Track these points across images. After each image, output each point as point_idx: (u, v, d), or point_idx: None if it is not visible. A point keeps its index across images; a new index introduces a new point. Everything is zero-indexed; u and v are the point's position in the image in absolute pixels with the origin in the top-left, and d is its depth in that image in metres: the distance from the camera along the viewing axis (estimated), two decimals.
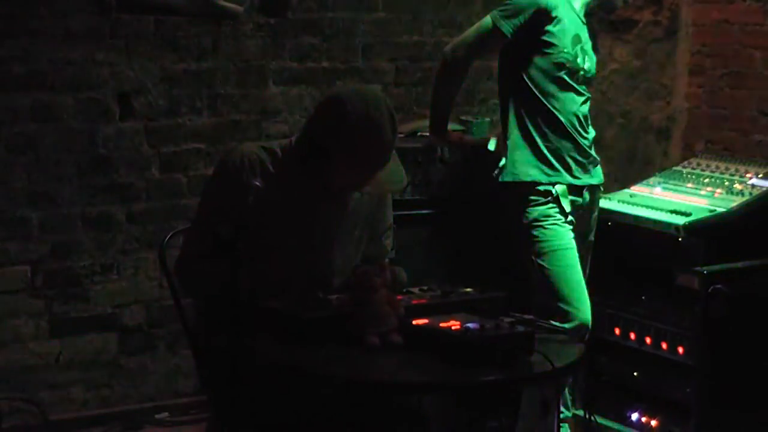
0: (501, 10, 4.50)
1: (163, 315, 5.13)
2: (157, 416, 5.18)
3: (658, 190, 5.18)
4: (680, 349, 4.74)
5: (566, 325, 4.35)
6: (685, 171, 5.30)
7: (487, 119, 5.25)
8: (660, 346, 4.83)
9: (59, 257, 4.95)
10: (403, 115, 5.35)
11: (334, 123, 3.51)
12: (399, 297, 3.47)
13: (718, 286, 4.62)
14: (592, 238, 4.76)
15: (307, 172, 3.58)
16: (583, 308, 4.50)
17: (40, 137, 4.86)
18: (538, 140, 4.53)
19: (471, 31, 4.63)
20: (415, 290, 3.64)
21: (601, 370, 5.01)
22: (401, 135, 5.06)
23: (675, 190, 5.13)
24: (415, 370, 3.24)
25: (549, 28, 4.48)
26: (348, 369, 3.21)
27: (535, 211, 4.53)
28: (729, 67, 6.05)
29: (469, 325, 3.24)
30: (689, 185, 5.14)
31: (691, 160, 5.45)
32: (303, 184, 3.61)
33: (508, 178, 4.57)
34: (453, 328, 3.25)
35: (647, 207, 4.97)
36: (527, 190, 4.54)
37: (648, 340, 4.88)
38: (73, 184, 4.95)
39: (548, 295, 4.50)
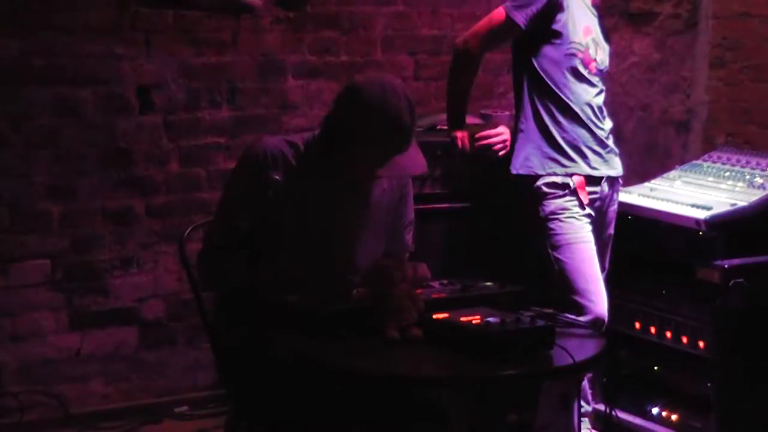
0: (513, 1, 4.50)
1: (183, 309, 5.14)
2: (176, 410, 5.19)
3: (678, 183, 5.15)
4: (700, 343, 4.72)
5: (582, 319, 4.35)
6: (705, 164, 5.28)
7: (507, 113, 5.23)
8: (680, 340, 4.81)
9: (79, 251, 4.96)
10: (422, 109, 5.34)
11: (352, 109, 3.51)
12: (419, 291, 3.47)
13: (739, 280, 4.60)
14: (611, 231, 4.74)
15: (329, 163, 3.58)
16: (599, 302, 4.49)
17: (60, 131, 4.88)
18: (554, 131, 4.52)
19: (483, 22, 4.62)
20: (435, 284, 3.64)
21: (621, 364, 4.99)
22: (420, 129, 5.06)
23: (695, 184, 5.10)
24: (434, 364, 3.24)
25: (560, 18, 4.47)
26: (368, 363, 3.21)
27: (552, 204, 4.51)
28: (750, 60, 6.02)
29: (490, 319, 3.24)
30: (710, 179, 5.11)
31: (712, 153, 5.42)
32: (325, 179, 3.61)
33: (522, 171, 4.57)
34: (473, 322, 3.24)
35: (667, 201, 4.95)
36: (544, 182, 4.53)
37: (668, 334, 4.86)
38: (93, 178, 4.96)
39: (564, 289, 4.49)
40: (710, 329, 4.69)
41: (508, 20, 4.49)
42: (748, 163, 5.16)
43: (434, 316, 3.32)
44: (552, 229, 4.51)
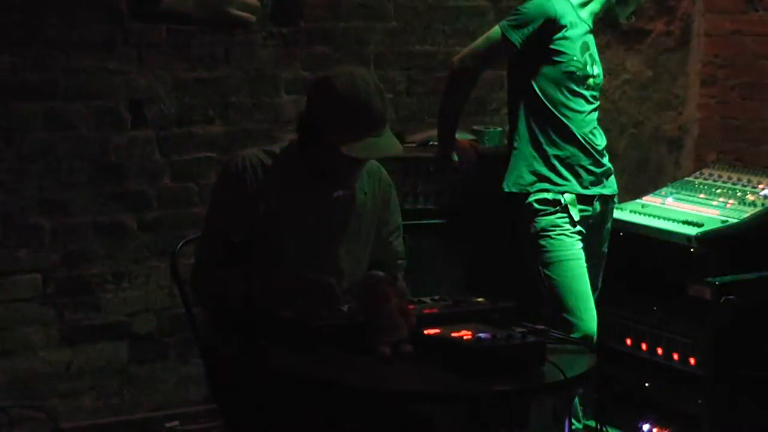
0: (510, 20, 4.50)
1: (174, 323, 5.13)
2: (167, 424, 5.17)
3: (670, 200, 5.17)
4: (691, 360, 4.73)
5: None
6: (697, 181, 5.30)
7: (499, 129, 5.24)
8: (671, 357, 4.82)
9: (71, 265, 4.95)
10: (414, 125, 5.36)
11: (323, 97, 3.55)
12: (410, 306, 3.47)
13: (730, 296, 4.61)
14: (605, 249, 4.74)
15: (308, 163, 3.59)
16: (588, 319, 4.48)
17: (53, 145, 4.87)
18: (548, 149, 4.53)
19: (480, 41, 4.62)
20: (427, 300, 3.64)
21: (612, 381, 5.00)
22: (412, 144, 5.07)
23: (687, 201, 5.12)
24: (426, 379, 3.24)
25: (558, 37, 4.48)
26: (359, 378, 3.21)
27: (543, 221, 4.52)
28: (741, 78, 6.04)
29: (481, 335, 3.24)
30: (701, 196, 5.13)
31: (703, 170, 5.45)
32: (306, 183, 3.61)
33: (515, 189, 4.57)
34: (465, 338, 3.24)
35: (659, 217, 4.96)
36: (535, 199, 4.52)
37: (659, 350, 4.87)
38: (85, 193, 4.95)
39: (553, 306, 4.49)
40: (701, 346, 4.70)
41: (505, 39, 4.49)
42: (739, 180, 5.18)
43: (426, 332, 3.32)
44: (543, 246, 4.51)
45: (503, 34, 4.49)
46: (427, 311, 3.51)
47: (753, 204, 4.92)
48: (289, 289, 3.51)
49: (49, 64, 4.83)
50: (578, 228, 4.53)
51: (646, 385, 4.97)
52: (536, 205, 4.52)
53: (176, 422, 5.19)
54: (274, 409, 3.41)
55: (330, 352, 3.30)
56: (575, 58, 4.50)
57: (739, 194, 5.04)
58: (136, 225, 5.07)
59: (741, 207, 4.92)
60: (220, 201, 3.66)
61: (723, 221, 4.81)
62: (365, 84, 3.54)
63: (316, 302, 3.46)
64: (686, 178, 5.43)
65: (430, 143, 5.01)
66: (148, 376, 5.17)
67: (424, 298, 3.64)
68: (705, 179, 5.30)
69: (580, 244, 4.53)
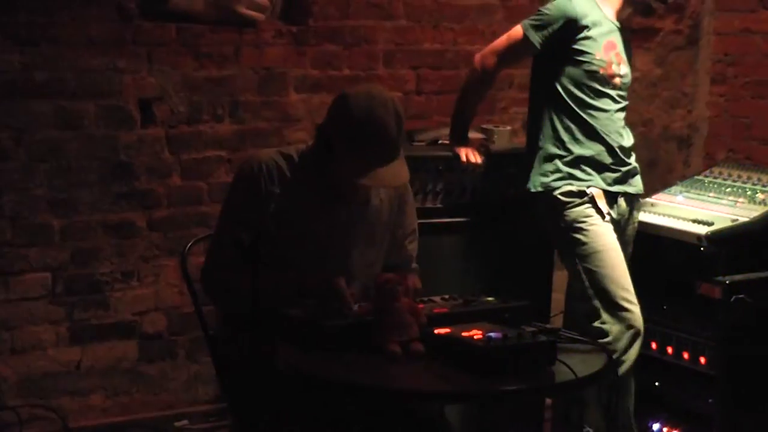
0: (531, 20, 4.50)
1: (184, 322, 5.13)
2: (177, 424, 5.17)
3: (679, 199, 5.15)
4: (702, 359, 4.72)
5: (616, 328, 4.32)
6: (707, 180, 5.28)
7: (509, 128, 5.23)
8: (681, 356, 4.80)
9: (80, 264, 4.95)
10: (424, 123, 5.35)
11: (339, 118, 3.55)
12: (421, 306, 3.47)
13: (741, 295, 4.59)
14: (630, 250, 4.69)
15: (318, 171, 3.59)
16: (636, 310, 4.43)
17: (62, 144, 4.87)
18: (573, 148, 4.50)
19: (502, 39, 4.62)
20: (437, 299, 3.63)
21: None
22: (422, 143, 5.06)
23: (697, 199, 5.10)
24: (436, 379, 3.24)
25: (580, 37, 4.46)
26: (369, 377, 3.21)
27: (573, 213, 4.48)
28: (751, 76, 6.03)
29: (492, 334, 3.23)
30: (711, 194, 5.11)
31: (713, 168, 5.42)
32: (320, 189, 3.61)
33: (540, 188, 4.54)
34: (475, 337, 3.24)
35: (669, 216, 4.95)
36: (560, 192, 4.49)
37: (669, 349, 4.85)
38: (95, 191, 4.95)
39: (594, 300, 4.43)
40: (712, 345, 4.69)
41: (525, 39, 4.49)
42: (749, 178, 5.17)
43: (436, 331, 3.32)
44: (576, 239, 4.46)
45: (524, 34, 4.49)
46: (437, 310, 3.51)
47: (763, 202, 4.90)
48: (299, 289, 3.51)
49: (58, 63, 4.83)
50: (608, 219, 4.49)
51: (657, 384, 4.96)
52: (562, 198, 4.49)
53: (186, 421, 5.19)
54: (284, 408, 3.41)
55: (339, 352, 3.29)
56: (599, 57, 4.48)
57: (749, 192, 5.02)
58: (145, 223, 5.07)
59: (751, 205, 4.91)
60: (233, 203, 3.66)
61: (733, 220, 4.79)
62: (383, 110, 3.51)
63: (325, 302, 3.46)
64: (696, 177, 5.41)
65: (439, 142, 5.00)
66: (157, 375, 5.17)
67: (434, 298, 3.64)
68: (715, 178, 5.28)
69: (614, 235, 4.49)
